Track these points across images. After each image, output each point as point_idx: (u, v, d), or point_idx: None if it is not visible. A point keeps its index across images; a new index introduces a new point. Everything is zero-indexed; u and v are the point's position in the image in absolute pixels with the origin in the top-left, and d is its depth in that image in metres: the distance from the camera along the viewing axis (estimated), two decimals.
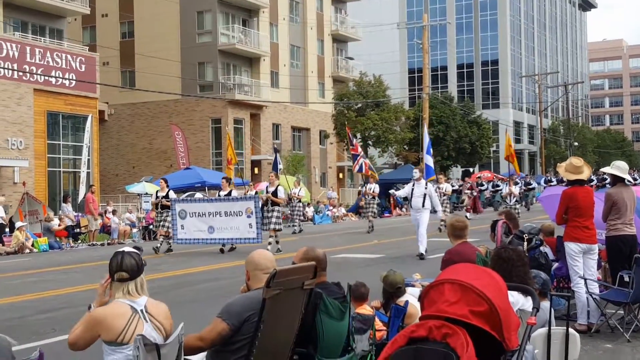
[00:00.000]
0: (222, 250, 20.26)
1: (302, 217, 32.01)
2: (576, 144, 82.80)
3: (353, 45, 67.06)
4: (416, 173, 18.83)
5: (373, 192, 29.03)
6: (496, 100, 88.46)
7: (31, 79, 34.96)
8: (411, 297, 6.80)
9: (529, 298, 4.79)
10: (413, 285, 7.86)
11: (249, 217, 19.35)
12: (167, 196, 21.14)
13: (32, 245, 25.32)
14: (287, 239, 23.04)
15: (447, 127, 61.48)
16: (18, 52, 34.33)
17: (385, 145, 57.14)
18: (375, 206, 29.62)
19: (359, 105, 54.24)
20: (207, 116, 49.47)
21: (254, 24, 52.80)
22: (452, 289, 3.80)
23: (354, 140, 32.02)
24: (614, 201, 9.14)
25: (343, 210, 42.99)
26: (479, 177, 48.23)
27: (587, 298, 8.82)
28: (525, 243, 8.46)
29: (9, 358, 3.65)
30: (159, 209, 21.20)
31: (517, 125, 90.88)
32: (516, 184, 41.33)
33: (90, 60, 38.50)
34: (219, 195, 20.82)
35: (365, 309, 6.77)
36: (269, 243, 19.29)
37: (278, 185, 20.33)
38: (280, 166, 33.03)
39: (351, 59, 65.14)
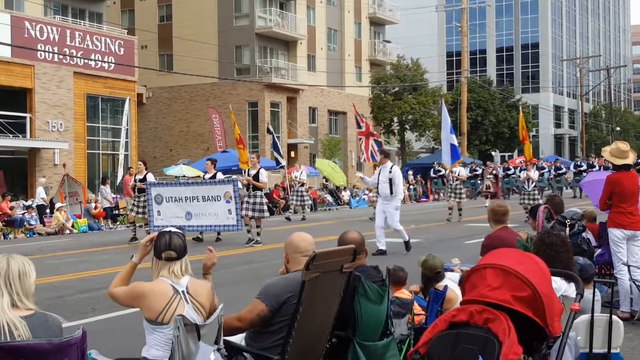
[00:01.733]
0: (198, 239, 18.65)
1: (301, 203, 29.48)
2: (618, 128, 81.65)
3: (391, 28, 66.66)
4: (379, 155, 16.56)
5: (299, 179, 28.33)
6: (536, 84, 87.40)
7: (71, 62, 35.28)
8: (450, 281, 6.74)
9: (572, 284, 4.71)
10: (452, 270, 7.79)
11: (227, 202, 17.91)
12: (144, 179, 19.32)
13: (72, 226, 25.67)
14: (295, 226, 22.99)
15: (486, 112, 61.01)
16: (58, 35, 34.65)
17: (423, 130, 56.91)
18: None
19: (396, 89, 54.03)
20: (244, 99, 49.57)
21: (291, 7, 52.72)
22: (494, 274, 3.76)
23: (363, 120, 29.96)
24: None
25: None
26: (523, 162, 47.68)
27: (630, 285, 8.69)
28: (568, 229, 8.33)
29: (59, 337, 3.73)
30: (136, 193, 19.54)
31: (558, 109, 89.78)
32: (542, 168, 40.76)
33: (128, 43, 38.75)
34: (203, 178, 19.41)
35: (404, 293, 6.73)
36: (258, 234, 17.79)
37: (260, 168, 18.27)
38: (280, 147, 32.52)
39: (388, 42, 64.78)
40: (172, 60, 50.60)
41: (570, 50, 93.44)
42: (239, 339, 4.95)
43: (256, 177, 18.04)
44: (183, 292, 4.51)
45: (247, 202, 17.87)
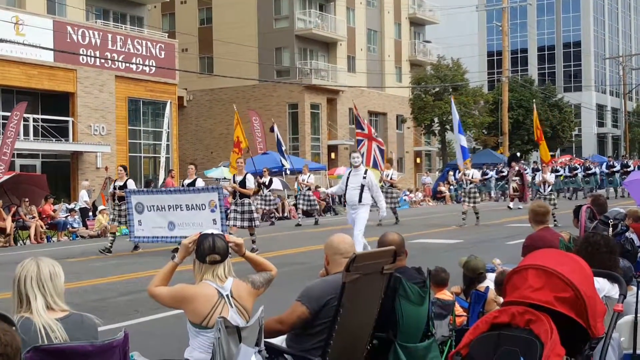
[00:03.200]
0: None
1: (310, 207, 28.48)
2: None
3: (431, 28, 66.38)
4: (357, 158, 14.50)
5: (391, 179, 26.12)
6: (578, 83, 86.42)
7: (112, 65, 35.70)
8: (492, 283, 6.70)
9: (616, 285, 4.66)
10: (494, 271, 7.75)
11: (212, 211, 16.49)
12: (124, 186, 18.23)
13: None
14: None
15: (527, 111, 60.39)
16: (100, 39, 35.10)
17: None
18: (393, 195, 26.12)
19: (437, 89, 53.75)
20: (285, 101, 49.74)
21: (330, 9, 52.79)
22: (536, 275, 3.73)
23: (365, 121, 28.06)
24: None
25: (420, 195, 42.73)
26: (565, 161, 47.03)
27: None
28: (611, 229, 8.23)
29: (95, 337, 3.75)
30: (116, 201, 18.46)
31: (600, 108, 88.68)
32: (556, 171, 39.36)
33: (169, 47, 39.12)
34: (182, 185, 18.09)
35: (445, 294, 6.71)
36: (253, 242, 16.71)
37: (247, 174, 17.10)
38: (284, 147, 31.48)
39: (429, 42, 64.52)
40: (212, 63, 50.99)
41: (613, 48, 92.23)
42: (279, 341, 4.97)
43: (242, 183, 16.95)
44: (227, 296, 4.53)
45: (235, 211, 16.81)
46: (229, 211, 17.06)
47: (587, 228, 8.03)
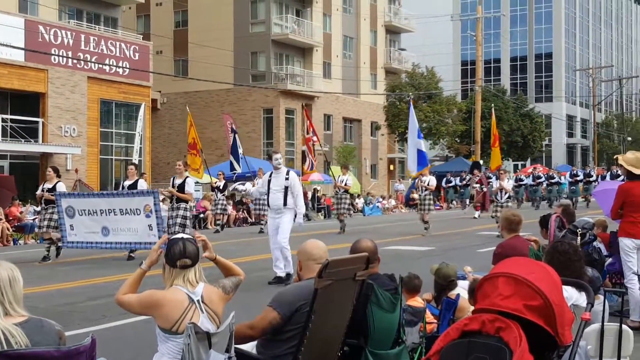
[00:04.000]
0: (131, 257, 16.54)
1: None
2: (629, 138, 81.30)
3: (406, 36, 66.70)
4: (279, 159, 13.36)
5: (345, 184, 24.56)
6: (549, 94, 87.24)
7: (85, 66, 35.45)
8: (463, 290, 6.76)
9: (583, 293, 4.72)
10: (465, 278, 7.80)
11: (148, 216, 15.53)
12: (53, 189, 16.82)
13: None
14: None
15: (499, 120, 60.82)
16: (73, 40, 34.84)
17: (437, 138, 56.86)
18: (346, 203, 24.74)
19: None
20: (259, 106, 49.70)
21: (307, 14, 52.85)
22: (506, 283, 3.77)
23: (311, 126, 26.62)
24: None
25: (393, 202, 42.87)
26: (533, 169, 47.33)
27: None
28: (579, 238, 8.34)
29: (56, 341, 3.67)
30: (43, 205, 17.02)
31: (570, 119, 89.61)
32: (520, 180, 38.44)
33: (143, 48, 38.93)
34: (123, 186, 17.03)
35: (417, 301, 6.75)
36: None
37: (186, 177, 16.09)
38: (240, 150, 30.62)
39: (404, 50, 64.82)
40: (187, 65, 50.80)
41: (583, 61, 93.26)
42: (250, 347, 4.96)
43: (181, 187, 15.97)
44: (198, 301, 4.50)
45: (171, 217, 15.91)
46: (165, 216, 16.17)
47: (556, 237, 8.13)
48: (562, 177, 40.88)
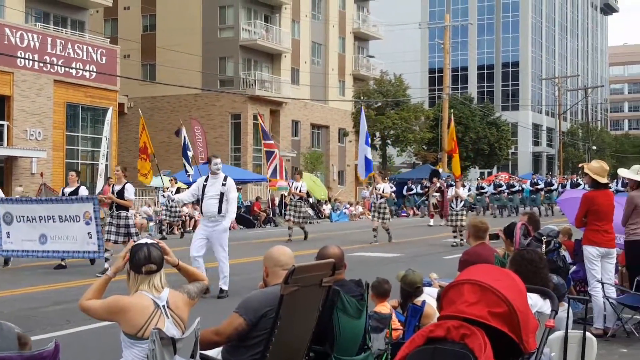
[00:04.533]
0: (61, 266, 15.98)
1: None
2: (594, 147, 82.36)
3: (374, 43, 66.96)
4: (218, 164, 12.62)
5: (300, 191, 23.67)
6: (516, 102, 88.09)
7: (52, 70, 35.13)
8: (428, 296, 6.78)
9: (548, 301, 4.76)
10: (431, 285, 7.83)
11: (87, 223, 15.01)
12: None
13: None
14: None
15: (466, 128, 61.34)
16: (39, 43, 34.52)
17: (404, 145, 57.13)
18: (302, 209, 23.87)
19: (379, 104, 54.22)
20: (227, 111, 49.59)
21: (276, 20, 52.85)
22: (471, 290, 3.79)
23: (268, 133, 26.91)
24: (636, 205, 9.06)
25: (360, 208, 42.94)
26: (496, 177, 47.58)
27: (604, 302, 8.78)
28: (544, 245, 8.41)
29: (16, 346, 3.60)
30: None
31: (536, 127, 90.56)
32: (482, 188, 38.91)
33: (111, 52, 38.67)
34: (63, 193, 16.28)
35: (386, 306, 6.78)
36: (106, 259, 14.91)
37: (126, 183, 15.26)
38: (190, 153, 29.78)
39: (372, 57, 65.07)
40: (154, 70, 50.52)
41: (550, 70, 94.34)
42: (215, 352, 4.93)
43: (121, 193, 15.10)
44: (164, 306, 4.48)
45: (111, 224, 15.04)
46: (104, 224, 15.58)
47: (522, 245, 8.18)
48: (524, 185, 41.12)
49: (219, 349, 4.92)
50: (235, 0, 49.74)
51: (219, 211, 12.16)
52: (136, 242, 4.68)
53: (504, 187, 38.97)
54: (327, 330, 5.01)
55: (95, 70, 36.78)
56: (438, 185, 31.19)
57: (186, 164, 29.53)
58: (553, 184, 37.36)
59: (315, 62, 57.78)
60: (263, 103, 50.57)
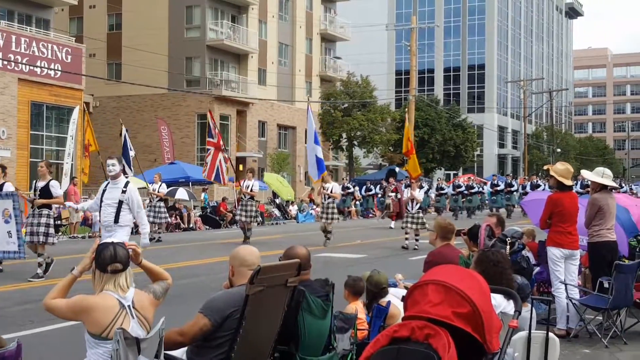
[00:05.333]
0: None
1: (160, 220, 24.60)
2: (559, 150, 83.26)
3: (341, 45, 67.10)
4: (114, 166, 11.53)
5: (251, 190, 21.99)
6: (481, 105, 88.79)
7: (16, 68, 34.74)
8: (393, 297, 6.81)
9: (511, 301, 4.80)
10: (396, 286, 7.86)
11: (7, 222, 13.74)
12: None
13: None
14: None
15: (432, 130, 61.70)
16: (3, 41, 34.11)
17: (371, 146, 57.30)
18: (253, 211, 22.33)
19: (346, 105, 54.33)
20: (193, 111, 49.36)
21: (242, 21, 52.72)
22: (435, 290, 3.81)
23: (216, 129, 24.97)
24: (599, 207, 9.16)
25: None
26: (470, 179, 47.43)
27: (567, 303, 8.87)
28: (508, 247, 8.48)
29: None
30: None
31: (502, 130, 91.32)
32: (421, 187, 38.43)
33: (76, 51, 38.31)
34: (35, 188, 14.93)
35: (359, 305, 6.82)
36: (39, 264, 13.87)
37: (50, 180, 14.17)
38: (132, 152, 28.88)
39: (339, 58, 65.19)
40: (120, 69, 50.13)
41: (515, 73, 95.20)
42: (180, 353, 4.91)
43: (45, 190, 14.06)
44: (129, 306, 4.46)
45: (31, 224, 14.04)
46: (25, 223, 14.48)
47: (486, 246, 8.25)
48: (484, 187, 41.00)
49: (184, 349, 4.90)
50: (202, 0, 49.54)
51: (116, 220, 11.23)
52: (102, 242, 4.65)
53: (463, 189, 38.68)
54: (293, 331, 5.01)
55: (60, 69, 36.41)
56: (394, 185, 30.61)
57: (126, 166, 28.14)
58: (513, 185, 37.22)
59: (282, 62, 57.75)
60: (230, 103, 50.44)
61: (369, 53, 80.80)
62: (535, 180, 37.96)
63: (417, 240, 20.31)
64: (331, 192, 21.39)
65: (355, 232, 27.19)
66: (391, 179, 32.94)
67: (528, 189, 34.84)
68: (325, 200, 21.35)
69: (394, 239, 23.90)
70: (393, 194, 29.84)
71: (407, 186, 22.97)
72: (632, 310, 9.27)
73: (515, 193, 36.68)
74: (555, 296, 8.97)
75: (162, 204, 24.75)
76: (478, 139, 71.57)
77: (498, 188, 37.65)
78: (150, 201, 24.70)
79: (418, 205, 20.78)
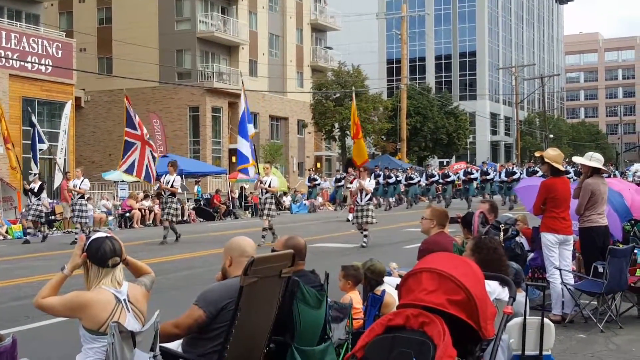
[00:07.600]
0: None
1: (82, 219, 21.86)
2: (551, 136, 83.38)
3: (332, 34, 66.99)
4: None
5: (172, 186, 20.52)
6: (473, 92, 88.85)
7: (6, 64, 34.58)
8: (388, 286, 6.81)
9: (506, 288, 4.81)
10: (391, 274, 7.87)
11: None
12: None
13: (6, 232, 25.12)
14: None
15: (425, 118, 61.69)
16: None
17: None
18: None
19: (337, 95, 54.25)
20: (185, 104, 49.27)
21: (233, 12, 52.59)
22: (430, 278, 3.81)
23: (136, 117, 21.71)
24: (592, 191, 9.16)
25: (320, 199, 42.94)
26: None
27: (561, 288, 8.89)
28: (502, 233, 8.49)
29: None
30: None
31: (494, 116, 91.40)
32: (377, 176, 34.28)
33: (66, 46, 38.15)
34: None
35: (356, 293, 6.83)
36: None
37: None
38: (45, 145, 27.89)
39: (330, 48, 65.10)
40: (111, 63, 50.01)
41: (506, 59, 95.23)
42: (175, 345, 4.91)
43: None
44: (125, 300, 4.45)
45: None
46: None
47: (480, 232, 8.26)
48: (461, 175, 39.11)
49: (179, 341, 4.89)
50: None
51: None
52: (95, 236, 4.61)
53: (437, 177, 37.02)
54: (288, 321, 5.01)
55: (51, 64, 36.26)
56: (353, 176, 27.11)
57: (32, 161, 26.81)
58: (489, 173, 35.33)
59: (273, 53, 57.64)
60: (221, 95, 50.36)
61: (360, 42, 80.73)
62: (510, 168, 36.19)
63: (365, 236, 18.24)
64: (269, 186, 19.42)
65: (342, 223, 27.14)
66: (350, 169, 30.73)
67: (503, 176, 34.12)
68: (262, 195, 19.48)
69: (387, 228, 23.95)
70: (352, 185, 28.21)
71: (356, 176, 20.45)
72: (627, 295, 9.28)
73: (489, 182, 35.01)
74: (550, 282, 8.98)
75: (82, 201, 21.80)
76: (470, 127, 71.61)
77: (472, 176, 35.79)
78: (72, 199, 22.25)
79: (368, 196, 18.59)
